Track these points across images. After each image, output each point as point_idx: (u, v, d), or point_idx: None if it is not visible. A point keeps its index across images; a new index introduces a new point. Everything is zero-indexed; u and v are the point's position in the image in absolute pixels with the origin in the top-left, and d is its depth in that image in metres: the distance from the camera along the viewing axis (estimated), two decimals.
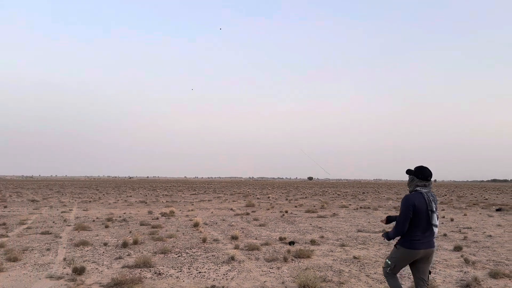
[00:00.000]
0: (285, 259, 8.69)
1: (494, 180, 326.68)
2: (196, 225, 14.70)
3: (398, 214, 4.69)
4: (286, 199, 35.17)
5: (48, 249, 9.84)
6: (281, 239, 11.71)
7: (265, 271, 7.74)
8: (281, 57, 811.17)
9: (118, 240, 11.28)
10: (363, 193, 53.51)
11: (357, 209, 24.74)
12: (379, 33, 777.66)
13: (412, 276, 4.82)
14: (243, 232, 13.39)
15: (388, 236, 4.75)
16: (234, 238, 11.75)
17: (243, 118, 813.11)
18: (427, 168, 4.72)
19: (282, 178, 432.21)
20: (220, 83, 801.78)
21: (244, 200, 32.86)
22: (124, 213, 20.03)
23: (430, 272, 4.82)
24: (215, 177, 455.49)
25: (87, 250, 9.80)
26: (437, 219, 4.61)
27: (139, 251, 9.76)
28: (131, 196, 38.96)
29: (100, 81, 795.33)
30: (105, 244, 10.62)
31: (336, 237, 12.44)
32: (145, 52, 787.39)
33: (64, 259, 8.70)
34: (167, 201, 30.40)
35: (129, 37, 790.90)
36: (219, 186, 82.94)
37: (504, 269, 7.94)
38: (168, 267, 8.04)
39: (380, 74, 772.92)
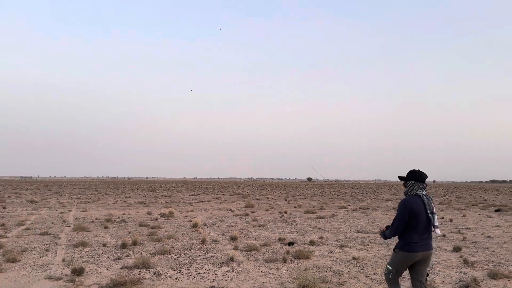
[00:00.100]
0: (284, 260, 8.69)
1: (493, 181, 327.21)
2: (195, 226, 14.69)
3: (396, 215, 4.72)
4: (285, 200, 35.18)
5: (47, 250, 9.83)
6: (280, 240, 11.71)
7: (264, 272, 7.73)
8: (281, 57, 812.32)
9: (117, 241, 11.27)
10: (362, 193, 53.54)
11: (356, 209, 24.75)
12: (378, 33, 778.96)
13: (410, 278, 4.85)
14: (242, 232, 13.39)
15: (384, 235, 4.81)
16: (233, 239, 11.74)
17: (242, 119, 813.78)
18: (420, 170, 4.80)
19: (281, 179, 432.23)
20: (219, 84, 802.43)
21: (243, 200, 32.85)
22: (123, 214, 20.01)
23: (428, 274, 4.85)
24: (214, 178, 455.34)
25: (86, 251, 9.78)
26: (436, 219, 4.67)
27: (138, 252, 9.75)
28: (130, 196, 38.93)
29: (99, 82, 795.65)
30: (104, 245, 10.61)
31: (335, 238, 12.44)
32: (144, 53, 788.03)
33: (63, 260, 8.69)
34: (166, 202, 30.38)
35: (128, 37, 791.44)
36: (218, 187, 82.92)
37: (503, 270, 7.95)
38: (167, 268, 8.04)
39: (380, 74, 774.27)
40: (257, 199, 36.64)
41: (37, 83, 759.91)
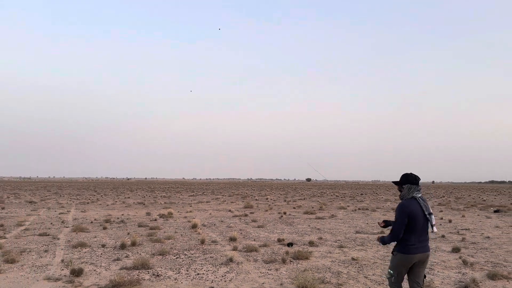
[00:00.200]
0: (284, 261, 8.69)
1: (492, 182, 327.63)
2: (194, 226, 14.68)
3: (394, 220, 4.75)
4: (285, 201, 35.19)
5: (46, 251, 9.81)
6: (279, 240, 11.71)
7: (263, 273, 7.73)
8: (280, 58, 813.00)
9: (116, 242, 11.26)
10: (361, 194, 53.57)
11: (355, 210, 24.76)
12: (378, 34, 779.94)
13: (407, 279, 4.87)
14: (241, 233, 13.39)
15: (383, 240, 4.80)
16: (233, 239, 11.74)
17: (242, 119, 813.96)
18: (413, 173, 4.86)
19: (281, 180, 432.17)
20: (218, 84, 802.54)
21: (243, 201, 32.85)
22: (122, 215, 20.00)
23: (425, 276, 4.90)
24: (213, 179, 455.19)
25: (85, 252, 9.77)
26: (434, 219, 4.75)
27: (137, 252, 9.74)
28: (129, 197, 38.90)
29: (98, 82, 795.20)
30: (103, 246, 10.60)
31: (335, 239, 12.44)
32: (144, 53, 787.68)
33: (62, 260, 8.68)
34: (165, 203, 30.37)
35: (128, 38, 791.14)
36: (218, 188, 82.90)
37: (502, 271, 7.96)
38: (166, 268, 8.03)
39: (379, 75, 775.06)
40: (256, 199, 36.63)
41: (36, 84, 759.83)
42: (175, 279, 7.22)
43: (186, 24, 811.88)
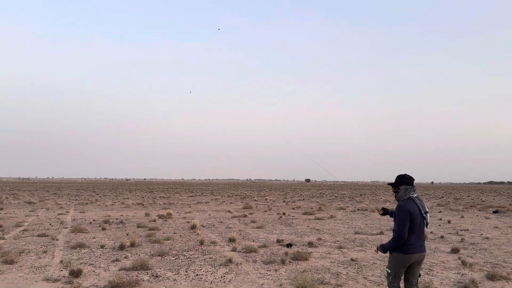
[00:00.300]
0: (283, 262, 8.68)
1: (491, 182, 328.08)
2: (193, 227, 14.67)
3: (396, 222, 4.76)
4: (284, 201, 35.18)
5: (44, 252, 9.80)
6: (278, 241, 11.71)
7: (262, 274, 7.73)
8: (279, 59, 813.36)
9: (115, 243, 11.25)
10: (361, 195, 53.59)
11: (354, 211, 24.76)
12: (376, 35, 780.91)
13: (403, 278, 4.94)
14: (240, 234, 13.38)
15: (384, 248, 4.79)
16: (232, 240, 11.73)
17: (241, 120, 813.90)
18: (407, 174, 4.94)
19: (280, 180, 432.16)
20: (218, 85, 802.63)
21: (242, 202, 32.84)
22: (121, 215, 19.98)
23: (420, 275, 5.00)
24: (212, 179, 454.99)
25: (84, 253, 9.76)
26: (428, 217, 4.86)
27: (136, 253, 9.73)
28: (128, 198, 38.86)
29: (97, 83, 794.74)
30: (102, 247, 10.58)
31: (334, 239, 12.44)
32: (143, 53, 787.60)
33: (61, 261, 8.66)
34: (164, 203, 30.34)
35: (127, 38, 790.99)
36: (217, 188, 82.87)
37: (502, 271, 7.97)
38: (165, 269, 8.02)
39: (378, 75, 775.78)
40: (255, 200, 36.62)
41: (35, 84, 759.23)
42: (174, 280, 7.21)
43: (186, 24, 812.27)
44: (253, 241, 11.94)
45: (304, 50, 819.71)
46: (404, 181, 4.82)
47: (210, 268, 8.21)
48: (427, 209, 4.78)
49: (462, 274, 7.85)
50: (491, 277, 7.45)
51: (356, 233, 14.09)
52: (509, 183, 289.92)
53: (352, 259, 9.13)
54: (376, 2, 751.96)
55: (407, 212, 4.60)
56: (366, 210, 25.51)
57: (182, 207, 26.44)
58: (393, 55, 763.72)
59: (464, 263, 8.74)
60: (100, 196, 41.39)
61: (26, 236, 12.42)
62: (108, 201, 32.52)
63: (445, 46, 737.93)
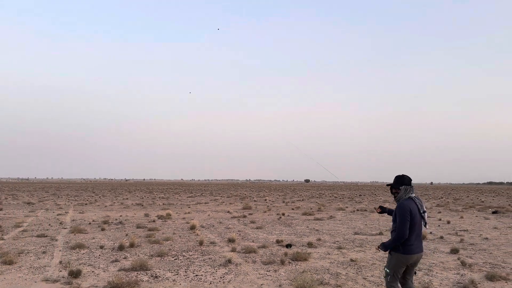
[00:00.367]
0: (282, 262, 8.68)
1: (490, 183, 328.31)
2: (193, 227, 14.66)
3: (391, 208, 4.90)
4: (283, 202, 35.18)
5: (44, 252, 9.79)
6: (278, 241, 11.70)
7: (262, 274, 7.72)
8: (279, 59, 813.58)
9: (114, 243, 11.24)
10: (360, 195, 53.60)
11: (354, 211, 24.76)
12: (375, 35, 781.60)
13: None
14: (240, 234, 13.37)
15: (384, 246, 4.85)
16: (231, 240, 11.73)
17: (240, 120, 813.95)
18: (405, 174, 5.06)
19: (279, 181, 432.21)
20: (217, 85, 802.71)
21: (241, 202, 32.83)
22: (121, 216, 19.96)
23: (415, 272, 5.11)
24: (212, 180, 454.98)
25: (83, 253, 9.75)
26: (426, 216, 4.98)
27: (136, 254, 9.72)
28: (127, 198, 38.84)
29: (96, 83, 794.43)
30: (101, 247, 10.58)
31: (333, 240, 12.44)
32: (143, 54, 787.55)
33: (60, 262, 8.65)
34: (163, 204, 30.33)
35: (126, 39, 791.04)
36: (216, 189, 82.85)
37: (501, 272, 7.97)
38: (164, 270, 8.02)
39: (378, 75, 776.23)
40: (255, 201, 36.62)
41: (34, 85, 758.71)
42: (174, 280, 7.21)
43: (186, 24, 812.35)
44: (253, 241, 11.93)
45: (304, 50, 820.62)
46: (403, 181, 4.91)
47: (209, 268, 8.20)
48: (425, 209, 4.88)
49: (462, 275, 7.86)
50: (491, 277, 7.46)
51: (356, 233, 14.09)
52: (508, 183, 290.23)
53: (351, 260, 9.13)
54: (376, 2, 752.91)
55: (408, 211, 4.69)
56: (365, 210, 25.51)
57: (181, 208, 26.43)
58: (393, 55, 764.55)
59: (463, 264, 8.74)
60: (100, 197, 41.36)
61: (26, 237, 12.41)
62: (107, 202, 32.50)
63: (445, 46, 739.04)
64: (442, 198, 47.64)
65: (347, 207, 28.80)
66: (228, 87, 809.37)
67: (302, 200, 39.52)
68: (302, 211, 23.78)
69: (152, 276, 7.49)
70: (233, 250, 10.23)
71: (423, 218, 4.83)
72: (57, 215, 20.24)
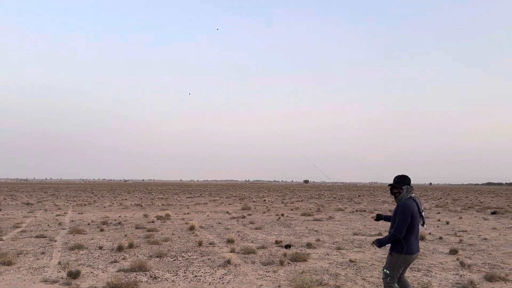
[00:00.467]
0: (281, 263, 8.68)
1: (489, 183, 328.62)
2: (192, 228, 14.65)
3: (388, 214, 4.93)
4: (282, 202, 35.17)
5: (42, 253, 9.77)
6: (277, 242, 11.70)
7: (261, 275, 7.72)
8: (279, 59, 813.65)
9: (113, 244, 11.23)
10: (359, 196, 53.62)
11: (353, 212, 24.77)
12: (375, 35, 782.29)
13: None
14: (239, 235, 13.37)
15: (380, 242, 4.92)
16: (230, 241, 11.72)
17: (239, 121, 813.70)
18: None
19: (278, 181, 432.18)
20: (216, 86, 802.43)
21: (240, 203, 32.82)
22: (120, 217, 19.94)
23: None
24: (211, 180, 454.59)
25: (82, 254, 9.74)
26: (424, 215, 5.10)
27: (135, 254, 9.71)
28: (126, 199, 38.80)
29: (95, 83, 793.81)
30: (100, 248, 10.56)
31: (332, 240, 12.44)
32: (142, 55, 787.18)
33: (59, 262, 8.64)
34: (162, 204, 30.31)
35: (126, 39, 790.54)
36: (215, 189, 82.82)
37: (500, 272, 7.98)
38: (163, 270, 8.01)
39: (377, 76, 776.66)
40: (254, 201, 36.61)
41: (33, 85, 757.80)
42: (173, 281, 7.20)
43: (186, 24, 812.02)
44: (252, 242, 11.93)
45: (304, 50, 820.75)
46: (406, 181, 4.99)
47: (208, 269, 8.20)
48: (422, 208, 4.98)
49: (461, 275, 7.86)
50: (490, 278, 7.47)
51: (355, 234, 14.09)
52: (507, 184, 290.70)
53: (350, 260, 9.13)
54: (376, 2, 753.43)
55: (410, 212, 4.76)
56: (364, 211, 25.52)
57: (180, 208, 26.41)
58: (392, 55, 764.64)
59: (462, 264, 8.75)
60: (98, 197, 41.31)
61: (24, 237, 12.39)
62: (106, 202, 32.46)
63: (445, 46, 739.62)
64: (441, 198, 47.68)
65: (346, 207, 28.81)
66: (228, 88, 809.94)
67: (301, 200, 39.52)
68: (301, 212, 23.78)
69: (151, 276, 7.48)
70: (232, 250, 10.22)
71: (422, 217, 4.92)
72: (56, 215, 20.21)
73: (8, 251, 9.83)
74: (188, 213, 22.41)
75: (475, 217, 21.83)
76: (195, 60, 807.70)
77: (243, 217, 20.26)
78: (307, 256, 9.34)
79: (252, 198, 42.53)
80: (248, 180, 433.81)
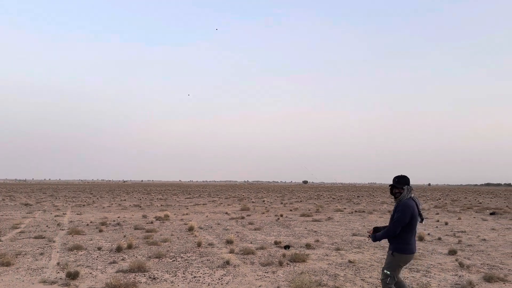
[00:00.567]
0: (281, 263, 8.68)
1: (488, 184, 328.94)
2: (191, 229, 14.64)
3: (386, 225, 5.11)
4: (281, 203, 35.16)
5: (41, 254, 9.76)
6: (276, 243, 11.70)
7: (260, 276, 7.72)
8: (279, 59, 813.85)
9: (112, 245, 11.21)
10: (358, 197, 53.63)
11: (352, 212, 24.78)
12: (375, 35, 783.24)
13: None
14: (238, 236, 13.36)
15: (375, 237, 5.06)
16: (229, 242, 11.71)
17: (238, 121, 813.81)
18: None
19: (277, 182, 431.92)
20: (215, 86, 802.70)
21: (239, 204, 32.81)
22: (118, 217, 19.92)
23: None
24: (210, 181, 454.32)
25: (81, 255, 9.72)
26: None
27: (133, 255, 9.70)
28: (125, 200, 38.76)
29: (94, 84, 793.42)
30: (99, 249, 10.55)
31: (331, 241, 12.44)
32: (141, 56, 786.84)
33: (58, 263, 8.63)
34: (161, 205, 30.29)
35: (125, 39, 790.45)
36: (214, 190, 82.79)
37: (499, 273, 7.98)
38: (162, 271, 8.00)
39: (375, 77, 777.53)
40: (253, 202, 36.59)
41: (32, 85, 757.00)
42: (172, 282, 7.19)
43: (185, 24, 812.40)
44: (251, 243, 11.92)
45: (304, 50, 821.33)
46: (406, 181, 5.05)
47: (207, 270, 8.19)
48: (421, 208, 5.07)
49: (460, 276, 7.87)
50: (489, 279, 7.47)
51: (354, 234, 14.10)
52: (506, 185, 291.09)
53: (349, 261, 9.13)
54: (376, 2, 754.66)
55: (410, 211, 4.83)
56: (363, 212, 25.53)
57: (179, 209, 26.39)
58: (392, 55, 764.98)
59: (461, 265, 8.76)
60: (97, 198, 41.27)
61: (23, 238, 12.37)
62: (105, 203, 32.43)
63: (445, 46, 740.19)
64: (440, 199, 47.72)
65: (345, 208, 28.82)
66: (227, 88, 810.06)
67: (300, 201, 39.52)
68: (300, 213, 23.78)
69: (150, 277, 7.47)
70: (231, 251, 10.21)
71: (420, 215, 4.98)
72: (55, 216, 20.18)
73: (6, 252, 9.81)
74: (187, 214, 22.40)
75: (474, 217, 21.86)
76: (195, 60, 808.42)
77: (242, 217, 20.25)
78: (306, 256, 9.34)
79: (251, 199, 42.52)
80: (247, 180, 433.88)
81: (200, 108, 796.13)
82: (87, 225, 16.29)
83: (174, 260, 9.15)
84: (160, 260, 9.12)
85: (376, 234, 5.03)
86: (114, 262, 8.84)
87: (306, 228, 16.09)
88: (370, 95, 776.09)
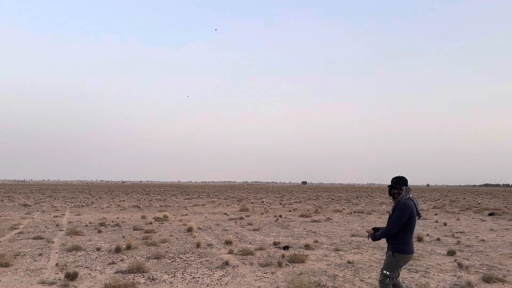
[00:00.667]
0: (280, 264, 8.68)
1: (487, 185, 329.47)
2: (190, 230, 14.64)
3: (385, 225, 5.14)
4: (280, 204, 35.16)
5: (40, 254, 9.75)
6: (275, 243, 11.70)
7: (259, 276, 7.72)
8: (279, 59, 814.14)
9: (111, 245, 11.20)
10: (357, 197, 53.66)
11: (351, 213, 24.79)
12: (374, 36, 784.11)
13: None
14: (237, 236, 13.36)
15: (374, 237, 5.13)
16: (228, 243, 11.71)
17: (238, 122, 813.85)
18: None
19: (276, 183, 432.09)
20: (214, 87, 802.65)
21: (238, 204, 32.81)
22: (117, 218, 19.90)
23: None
24: (209, 181, 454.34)
25: (80, 255, 9.71)
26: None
27: (132, 256, 9.69)
28: (124, 200, 38.73)
29: (93, 84, 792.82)
30: (98, 249, 10.54)
31: (330, 242, 12.45)
32: (140, 56, 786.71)
33: (57, 264, 8.62)
34: (160, 206, 30.27)
35: (125, 40, 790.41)
36: (213, 191, 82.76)
37: (497, 274, 8.00)
38: (161, 272, 8.00)
39: (375, 77, 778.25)
40: (252, 202, 36.58)
41: (31, 86, 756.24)
42: (171, 282, 7.19)
43: (185, 24, 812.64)
44: (250, 243, 11.92)
45: (304, 50, 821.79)
46: (404, 182, 5.10)
47: (206, 270, 8.19)
48: (420, 208, 5.13)
49: (458, 277, 7.88)
50: (487, 279, 7.49)
51: (353, 235, 14.11)
52: (504, 185, 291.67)
53: (348, 262, 9.14)
54: (376, 2, 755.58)
55: (408, 213, 4.86)
56: (362, 212, 25.56)
57: (178, 210, 26.38)
58: (392, 55, 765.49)
59: (460, 266, 8.77)
60: (96, 199, 41.23)
61: (22, 239, 12.35)
62: (104, 204, 32.40)
63: (444, 46, 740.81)
64: (438, 200, 47.78)
65: (344, 209, 28.84)
66: (227, 88, 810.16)
67: (299, 202, 39.53)
68: (299, 213, 23.79)
69: (149, 278, 7.47)
70: (230, 252, 10.22)
71: (418, 214, 5.02)
72: (54, 217, 20.16)
73: (5, 252, 9.80)
74: (186, 215, 22.39)
75: (473, 218, 21.88)
76: (195, 60, 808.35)
77: (241, 218, 20.25)
78: (305, 257, 9.34)
79: (250, 200, 42.52)
80: (246, 181, 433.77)
81: (200, 108, 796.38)
82: (86, 225, 16.27)
83: (173, 261, 9.15)
84: (159, 261, 9.12)
85: (375, 233, 5.08)
86: (113, 262, 8.84)
87: (305, 228, 16.10)
88: (370, 95, 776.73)
